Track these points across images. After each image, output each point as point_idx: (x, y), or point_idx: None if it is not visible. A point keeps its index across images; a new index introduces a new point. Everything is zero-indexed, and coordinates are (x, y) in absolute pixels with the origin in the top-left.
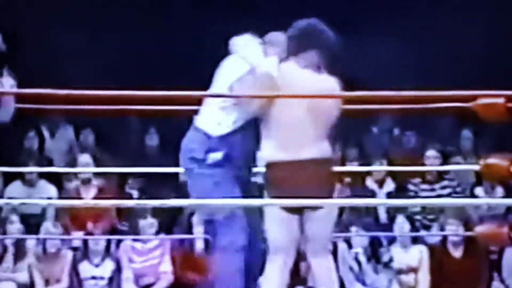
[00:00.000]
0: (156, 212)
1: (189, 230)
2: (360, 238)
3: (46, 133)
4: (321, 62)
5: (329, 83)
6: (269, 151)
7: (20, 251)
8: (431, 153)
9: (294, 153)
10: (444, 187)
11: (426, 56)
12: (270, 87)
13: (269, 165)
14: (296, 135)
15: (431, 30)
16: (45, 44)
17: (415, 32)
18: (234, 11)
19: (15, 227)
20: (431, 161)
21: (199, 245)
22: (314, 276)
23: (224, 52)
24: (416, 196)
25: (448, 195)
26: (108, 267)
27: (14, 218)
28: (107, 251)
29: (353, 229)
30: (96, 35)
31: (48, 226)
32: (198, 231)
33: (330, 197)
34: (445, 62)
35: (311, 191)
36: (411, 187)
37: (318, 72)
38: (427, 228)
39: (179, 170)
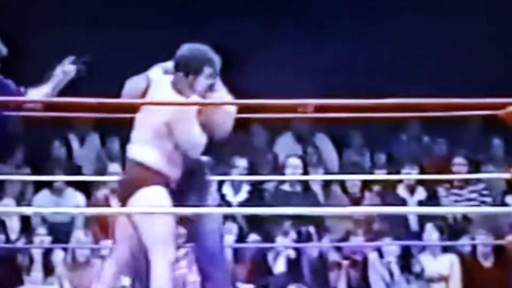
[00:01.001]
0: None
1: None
2: (391, 247)
3: (74, 141)
4: (185, 82)
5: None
6: None
7: (49, 262)
8: (458, 160)
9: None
10: (471, 193)
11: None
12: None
13: None
14: (133, 137)
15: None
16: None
17: (418, 37)
18: None
19: (42, 239)
20: (458, 168)
21: (228, 253)
22: None
23: None
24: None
25: (478, 204)
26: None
27: (42, 230)
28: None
29: (386, 238)
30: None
31: (79, 235)
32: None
33: (130, 193)
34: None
35: (121, 188)
36: (441, 193)
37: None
38: (458, 236)
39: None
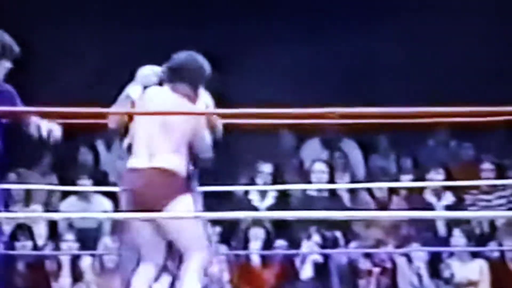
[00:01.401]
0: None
1: (245, 243)
2: (420, 252)
3: (101, 147)
4: (191, 92)
5: (188, 106)
6: (129, 160)
7: (77, 268)
8: (486, 165)
9: (144, 161)
10: (500, 198)
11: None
12: (126, 106)
13: (125, 172)
14: (148, 146)
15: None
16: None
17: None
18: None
19: (70, 245)
20: (486, 174)
21: (255, 258)
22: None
23: None
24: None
25: (506, 209)
26: (164, 281)
27: (69, 236)
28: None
29: (414, 244)
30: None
31: (106, 241)
32: (255, 246)
33: (166, 204)
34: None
35: (151, 193)
36: (468, 199)
37: (191, 99)
38: (486, 242)
39: None
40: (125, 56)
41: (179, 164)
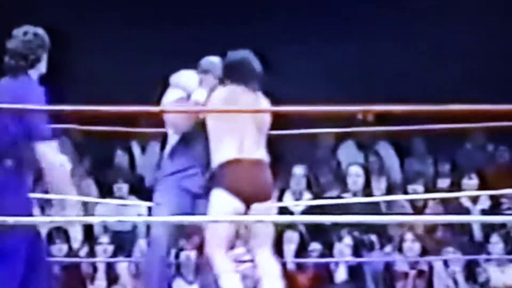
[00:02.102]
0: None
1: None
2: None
3: (136, 150)
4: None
5: (264, 101)
6: (223, 154)
7: (112, 270)
8: None
9: (248, 154)
10: None
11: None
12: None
13: (224, 164)
14: (246, 141)
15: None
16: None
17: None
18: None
19: (105, 247)
20: None
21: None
22: (259, 268)
23: None
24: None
25: None
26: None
27: (104, 239)
28: (197, 268)
29: (449, 249)
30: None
31: (142, 244)
32: (289, 249)
33: (271, 194)
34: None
35: (260, 184)
36: (505, 203)
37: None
38: None
39: None
40: (158, 56)
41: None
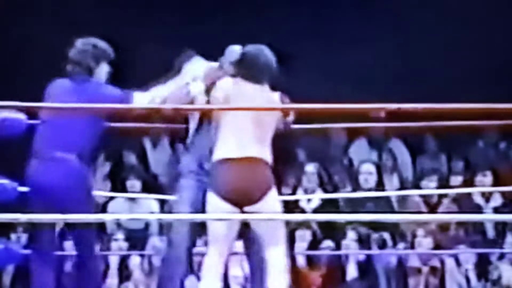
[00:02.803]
0: None
1: (291, 245)
2: (468, 254)
3: (148, 145)
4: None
5: (273, 97)
6: (217, 152)
7: (125, 267)
8: None
9: (242, 151)
10: None
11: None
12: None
13: (215, 164)
14: (243, 138)
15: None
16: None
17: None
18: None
19: (119, 244)
20: None
21: (301, 259)
22: (268, 267)
23: None
24: None
25: None
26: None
27: (119, 235)
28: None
29: (462, 246)
30: None
31: (155, 241)
32: (300, 246)
33: (266, 192)
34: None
35: (252, 183)
36: None
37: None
38: None
39: None
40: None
41: (269, 156)
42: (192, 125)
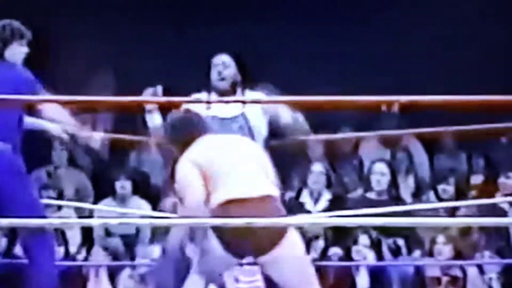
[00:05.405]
0: None
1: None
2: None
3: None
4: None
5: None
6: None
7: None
8: None
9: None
10: None
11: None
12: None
13: (216, 209)
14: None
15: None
16: None
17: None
18: None
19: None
20: None
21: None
22: None
23: None
24: None
25: None
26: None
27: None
28: None
29: (486, 253)
30: None
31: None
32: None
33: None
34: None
35: (260, 232)
36: None
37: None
38: None
39: None
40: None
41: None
42: None
